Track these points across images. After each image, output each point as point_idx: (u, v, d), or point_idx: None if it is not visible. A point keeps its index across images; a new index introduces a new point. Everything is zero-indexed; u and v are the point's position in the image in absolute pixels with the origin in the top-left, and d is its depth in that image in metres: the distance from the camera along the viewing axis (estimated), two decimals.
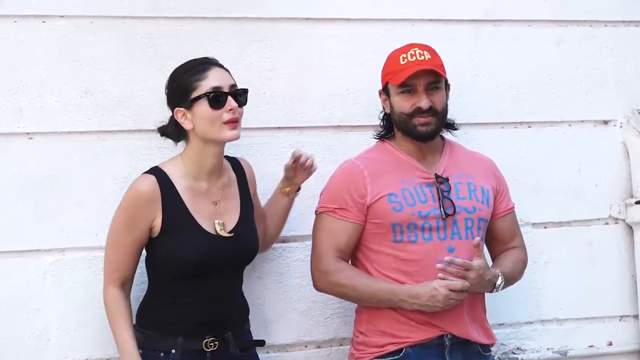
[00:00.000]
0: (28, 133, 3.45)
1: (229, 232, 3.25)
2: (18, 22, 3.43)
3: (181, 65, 3.27)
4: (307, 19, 3.74)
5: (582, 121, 4.10)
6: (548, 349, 4.01)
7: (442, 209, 3.32)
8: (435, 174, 3.38)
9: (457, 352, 3.35)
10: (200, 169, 3.25)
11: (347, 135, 3.73)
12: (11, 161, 3.44)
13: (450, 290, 3.18)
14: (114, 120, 3.53)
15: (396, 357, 3.29)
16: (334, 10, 3.81)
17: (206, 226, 3.22)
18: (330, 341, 3.69)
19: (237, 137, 3.24)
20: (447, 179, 3.38)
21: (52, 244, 3.48)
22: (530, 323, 4.01)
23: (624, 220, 4.12)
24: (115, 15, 3.56)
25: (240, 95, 3.24)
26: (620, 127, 4.12)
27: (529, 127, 4.02)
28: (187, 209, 3.21)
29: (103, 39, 3.53)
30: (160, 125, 3.33)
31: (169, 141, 3.46)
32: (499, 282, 3.34)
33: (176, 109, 3.24)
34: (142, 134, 3.55)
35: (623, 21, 4.16)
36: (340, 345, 3.71)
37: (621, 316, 4.11)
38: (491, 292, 3.37)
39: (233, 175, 3.36)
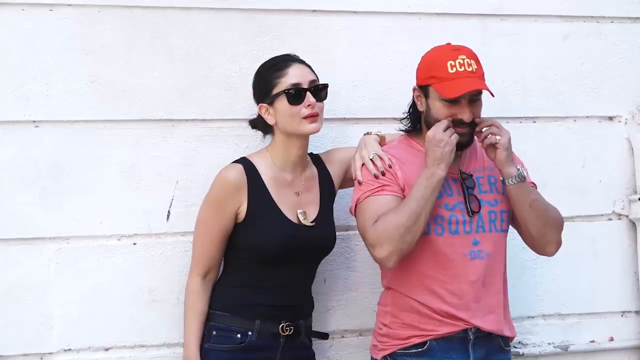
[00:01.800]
0: (34, 121, 3.48)
1: (311, 222, 3.38)
2: (25, 11, 3.46)
3: (265, 62, 3.41)
4: (314, 11, 3.76)
5: (587, 117, 4.13)
6: (549, 344, 4.05)
7: (468, 206, 3.36)
8: (460, 170, 3.40)
9: (481, 346, 3.38)
10: (285, 160, 3.39)
11: (352, 128, 3.74)
12: (17, 149, 3.48)
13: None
14: (120, 109, 3.55)
15: (420, 349, 3.32)
16: (342, 3, 3.82)
17: (289, 215, 3.34)
18: (332, 333, 3.71)
19: (317, 130, 3.35)
20: (471, 175, 3.41)
21: (57, 232, 3.52)
22: (532, 317, 4.05)
23: (627, 216, 4.15)
24: (123, 5, 3.59)
25: (321, 91, 3.35)
26: (625, 123, 4.16)
27: (534, 122, 4.05)
28: (271, 197, 3.34)
29: (111, 29, 3.56)
30: (251, 118, 3.47)
31: (177, 132, 3.59)
32: (519, 169, 3.38)
33: (260, 104, 3.38)
34: (148, 124, 3.58)
35: (629, 17, 4.18)
36: (342, 337, 3.76)
37: (623, 312, 4.14)
38: (513, 176, 3.36)
39: (315, 170, 3.48)
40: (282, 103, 3.32)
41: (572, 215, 4.03)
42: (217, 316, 3.36)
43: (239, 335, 3.34)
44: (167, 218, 3.62)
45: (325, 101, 3.37)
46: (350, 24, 3.83)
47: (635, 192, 4.15)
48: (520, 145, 3.85)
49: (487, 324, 3.36)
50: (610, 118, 4.16)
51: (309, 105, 3.31)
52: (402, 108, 3.49)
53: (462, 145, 3.35)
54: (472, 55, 3.35)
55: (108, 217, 3.53)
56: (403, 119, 3.49)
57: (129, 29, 3.58)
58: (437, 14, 3.93)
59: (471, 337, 3.35)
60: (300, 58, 3.39)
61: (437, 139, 3.24)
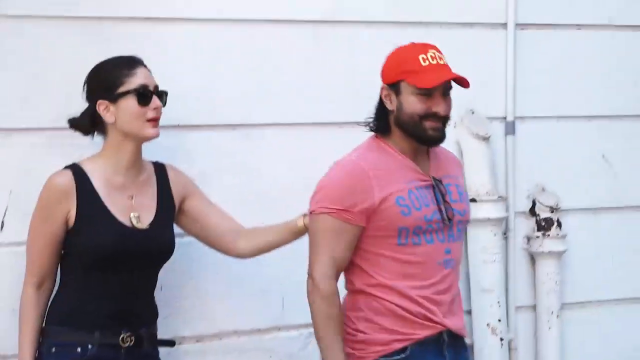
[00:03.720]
0: None
1: (147, 226, 3.37)
2: None
3: (108, 60, 3.38)
4: (147, 18, 3.83)
5: None
6: None
7: (444, 214, 3.38)
8: (433, 177, 3.41)
9: (451, 347, 3.43)
10: (117, 163, 3.36)
11: (186, 135, 3.82)
12: None
13: None
14: None
15: (402, 355, 3.34)
16: (175, 11, 3.87)
17: (121, 218, 3.32)
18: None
19: (157, 135, 3.37)
20: (441, 181, 3.44)
21: None
22: None
23: None
24: None
25: (163, 96, 3.40)
26: (454, 126, 4.20)
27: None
28: (102, 201, 3.31)
29: None
30: (72, 117, 3.41)
31: (10, 141, 3.59)
32: None
33: (99, 101, 3.33)
34: None
35: (458, 23, 4.32)
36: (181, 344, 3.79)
37: None
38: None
39: (154, 176, 3.47)
40: (129, 102, 3.32)
41: None
42: (55, 332, 3.33)
43: (79, 350, 3.31)
44: (1, 228, 3.61)
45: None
46: (184, 31, 3.88)
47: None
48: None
49: (454, 325, 3.42)
50: None
51: (155, 108, 3.34)
52: (235, 114, 3.62)
53: (436, 141, 3.37)
54: (440, 51, 3.39)
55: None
56: (370, 121, 3.47)
57: None
58: (271, 20, 3.98)
59: (445, 339, 3.40)
60: (144, 62, 3.42)
61: None
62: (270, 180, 4.04)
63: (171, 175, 3.51)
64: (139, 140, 3.37)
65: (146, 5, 3.82)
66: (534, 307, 4.41)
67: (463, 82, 3.35)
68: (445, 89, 3.34)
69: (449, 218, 3.38)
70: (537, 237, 4.39)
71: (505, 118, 4.39)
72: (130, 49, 3.56)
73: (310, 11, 4.06)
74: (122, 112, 3.31)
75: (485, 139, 4.27)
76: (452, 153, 3.66)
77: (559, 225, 4.39)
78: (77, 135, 3.62)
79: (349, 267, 3.39)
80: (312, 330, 3.72)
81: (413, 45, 3.40)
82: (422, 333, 3.36)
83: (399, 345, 3.34)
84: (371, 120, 3.47)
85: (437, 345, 3.39)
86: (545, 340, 4.41)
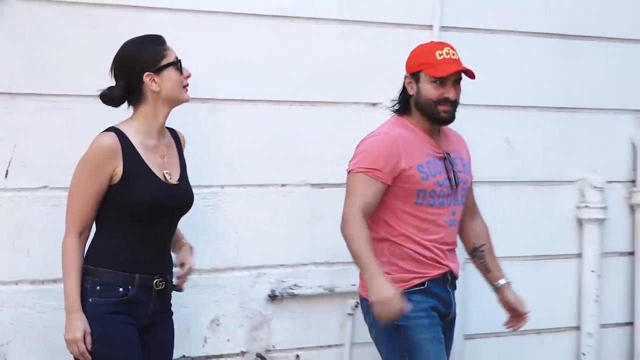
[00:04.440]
0: None
1: (177, 181, 3.44)
2: None
3: (141, 38, 3.44)
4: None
5: (355, 103, 4.39)
6: (319, 286, 4.33)
7: (452, 181, 3.69)
8: (445, 150, 3.72)
9: (451, 285, 3.79)
10: (152, 127, 3.40)
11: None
12: None
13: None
14: None
15: (421, 287, 3.67)
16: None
17: (158, 174, 3.38)
18: None
19: (189, 99, 3.47)
20: (450, 155, 3.73)
21: None
22: (306, 265, 4.32)
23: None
24: None
25: None
26: (385, 109, 4.11)
27: (313, 105, 4.30)
28: (143, 160, 3.35)
29: None
30: (102, 92, 3.42)
31: (16, 103, 3.68)
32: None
33: (146, 73, 3.35)
34: None
35: (393, 23, 4.46)
36: None
37: None
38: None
39: (171, 138, 3.54)
40: (171, 73, 3.38)
41: (341, 182, 3.95)
42: (99, 273, 3.33)
43: (120, 290, 3.33)
44: (6, 176, 3.72)
45: None
46: (165, 20, 3.92)
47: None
48: (304, 124, 4.30)
49: (454, 268, 3.78)
50: (374, 104, 4.39)
51: (187, 76, 3.44)
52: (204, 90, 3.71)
53: (447, 122, 3.69)
54: (454, 49, 3.68)
55: None
56: (395, 103, 3.77)
57: None
58: (237, 13, 4.11)
59: (449, 278, 3.76)
60: None
61: (387, 306, 3.50)
62: (233, 148, 4.16)
63: (181, 138, 3.59)
64: (177, 104, 3.45)
65: None
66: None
67: (470, 74, 3.68)
68: (455, 79, 3.66)
69: (456, 184, 3.72)
70: None
71: None
72: (121, 33, 3.59)
73: (270, 7, 4.21)
74: (166, 81, 3.37)
75: None
76: (459, 133, 3.90)
77: None
78: (72, 101, 3.80)
79: (376, 220, 3.68)
80: (260, 271, 4.18)
81: (432, 43, 3.79)
82: (434, 272, 3.70)
83: (417, 281, 3.67)
84: (394, 103, 3.79)
85: (443, 282, 3.75)
86: None
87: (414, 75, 3.70)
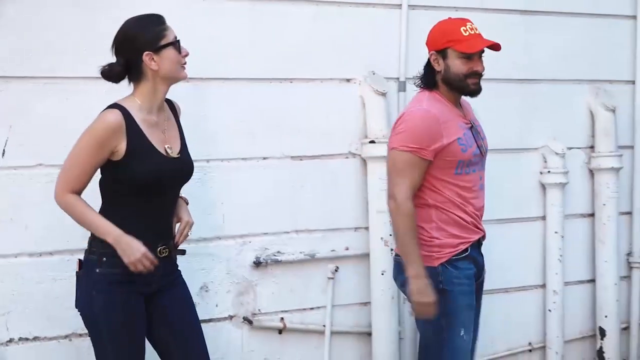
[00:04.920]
0: None
1: (177, 154, 3.46)
2: None
3: (140, 18, 3.41)
4: None
5: (330, 79, 4.41)
6: (301, 252, 4.37)
7: (482, 149, 3.73)
8: (470, 121, 3.74)
9: (481, 248, 3.80)
10: (152, 104, 3.41)
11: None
12: None
13: None
14: None
15: (465, 254, 3.67)
16: None
17: (160, 149, 3.40)
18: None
19: (187, 77, 3.48)
20: (474, 124, 3.75)
21: None
22: (288, 232, 4.35)
23: (360, 155, 4.45)
24: None
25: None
26: (359, 84, 4.43)
27: (291, 82, 4.30)
28: (145, 136, 3.36)
29: None
30: (102, 68, 3.40)
31: (10, 87, 3.68)
32: None
33: (146, 52, 3.35)
34: None
35: (364, 3, 4.44)
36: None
37: (355, 228, 4.48)
38: None
39: (170, 112, 3.55)
40: (169, 52, 3.37)
41: (320, 154, 4.38)
42: (105, 244, 3.32)
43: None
44: (2, 155, 3.75)
45: None
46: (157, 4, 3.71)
47: (366, 137, 4.43)
48: (282, 100, 4.31)
49: (485, 232, 3.80)
50: (348, 80, 4.44)
51: (185, 55, 3.43)
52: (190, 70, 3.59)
53: (478, 93, 3.69)
54: (473, 23, 3.67)
55: None
56: (419, 79, 3.74)
57: None
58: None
59: (482, 241, 3.79)
60: None
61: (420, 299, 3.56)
62: (217, 124, 4.18)
63: (177, 108, 3.62)
64: (175, 82, 3.45)
65: None
66: None
67: (495, 47, 3.67)
68: (480, 53, 3.66)
69: (486, 151, 3.78)
70: None
71: (398, 79, 4.56)
72: (113, 17, 3.55)
73: None
74: (165, 61, 3.37)
75: (383, 94, 4.43)
76: (467, 101, 3.87)
77: None
78: (65, 83, 3.81)
79: (422, 189, 3.66)
80: (245, 239, 4.22)
81: (452, 20, 3.71)
82: (474, 236, 3.73)
83: (463, 247, 3.68)
84: (419, 78, 3.76)
85: (478, 245, 3.78)
86: None
87: (440, 52, 3.68)
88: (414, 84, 3.78)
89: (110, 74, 3.42)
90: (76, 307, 3.45)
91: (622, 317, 5.24)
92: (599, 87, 5.12)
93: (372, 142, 4.45)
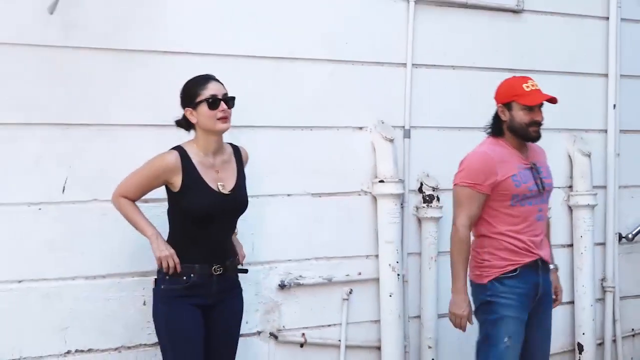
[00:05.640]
0: None
1: (229, 191, 3.47)
2: None
3: (191, 79, 3.50)
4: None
5: (345, 127, 4.35)
6: (319, 277, 4.30)
7: (539, 185, 3.73)
8: (532, 162, 3.76)
9: (542, 270, 3.78)
10: (206, 148, 3.47)
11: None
12: None
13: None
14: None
15: (514, 273, 3.69)
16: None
17: (212, 186, 3.44)
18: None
19: (226, 129, 3.47)
20: (536, 164, 3.77)
21: None
22: (308, 259, 4.28)
23: (371, 193, 4.39)
24: None
25: (230, 101, 3.47)
26: (370, 131, 4.38)
27: (311, 130, 4.25)
28: (199, 174, 3.42)
29: None
30: (176, 119, 3.53)
31: (69, 133, 3.66)
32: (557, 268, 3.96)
33: (186, 108, 3.46)
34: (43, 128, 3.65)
35: (374, 62, 4.39)
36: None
37: (367, 255, 4.40)
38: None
39: (232, 155, 3.58)
40: (203, 108, 3.42)
41: (336, 192, 4.32)
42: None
43: (184, 278, 3.40)
44: (63, 191, 3.71)
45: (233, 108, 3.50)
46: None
47: (376, 177, 4.37)
48: (304, 145, 4.25)
49: (544, 255, 3.78)
50: (360, 128, 4.38)
51: (222, 110, 3.42)
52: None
53: (537, 139, 3.74)
54: (534, 81, 3.74)
55: (21, 189, 3.64)
56: (488, 127, 3.80)
57: None
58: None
59: (539, 264, 3.76)
60: (216, 77, 3.49)
61: (457, 318, 3.71)
62: (248, 168, 3.81)
63: (242, 154, 3.65)
64: (214, 134, 3.47)
65: None
66: (420, 254, 4.54)
67: (552, 100, 3.72)
68: (540, 105, 3.72)
69: (543, 188, 3.75)
70: (423, 207, 4.52)
71: (403, 127, 4.52)
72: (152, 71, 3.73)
73: (273, 51, 4.17)
74: (200, 116, 3.44)
75: (391, 140, 4.38)
76: (541, 147, 3.92)
77: (438, 199, 4.53)
78: (115, 130, 3.77)
79: (480, 221, 3.73)
80: (272, 265, 4.19)
81: (516, 77, 3.80)
82: (525, 260, 3.71)
83: (511, 268, 3.70)
84: (489, 127, 3.82)
85: (534, 268, 3.74)
86: (426, 276, 4.53)
87: (506, 105, 3.74)
88: (484, 131, 3.84)
89: (177, 123, 3.54)
90: (153, 318, 3.52)
91: (598, 334, 5.11)
92: (576, 135, 5.02)
93: (382, 181, 4.39)
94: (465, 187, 3.68)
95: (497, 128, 3.79)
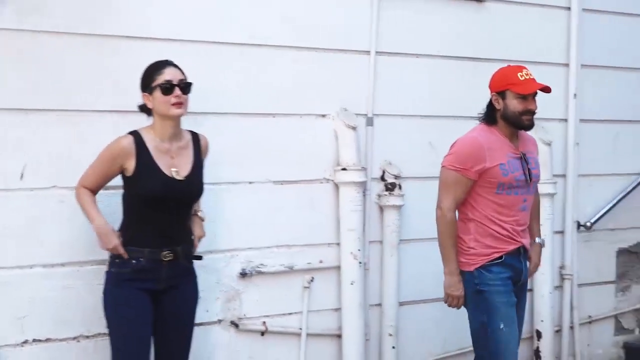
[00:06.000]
0: None
1: (183, 177, 3.48)
2: None
3: (150, 64, 3.50)
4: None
5: (308, 114, 4.36)
6: (281, 265, 4.29)
7: (527, 176, 3.77)
8: (521, 152, 3.79)
9: (524, 257, 3.86)
10: (162, 134, 3.48)
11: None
12: None
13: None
14: None
15: (499, 260, 3.75)
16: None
17: (166, 172, 3.45)
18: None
19: (180, 115, 3.48)
20: (525, 155, 3.81)
21: None
22: (269, 247, 4.28)
23: (333, 180, 4.39)
24: None
25: (186, 87, 3.48)
26: (332, 119, 4.39)
27: (273, 117, 4.24)
28: (153, 159, 3.43)
29: None
30: (139, 104, 3.53)
31: (30, 118, 3.63)
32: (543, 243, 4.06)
33: (143, 93, 3.48)
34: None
35: (340, 50, 4.39)
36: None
37: (329, 243, 4.41)
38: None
39: (190, 142, 3.58)
40: (157, 93, 3.44)
41: (298, 179, 4.32)
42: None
43: (133, 261, 3.43)
44: (21, 178, 3.67)
45: (190, 94, 3.51)
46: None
47: (339, 165, 4.38)
48: (266, 132, 4.23)
49: (526, 243, 3.85)
50: (323, 115, 4.39)
51: (176, 96, 3.43)
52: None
53: (530, 127, 3.78)
54: (528, 70, 3.76)
55: None
56: (482, 114, 3.82)
57: None
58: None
59: (522, 252, 3.83)
60: (174, 63, 3.51)
61: (451, 294, 3.77)
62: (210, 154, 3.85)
63: (202, 142, 3.64)
64: (169, 119, 3.48)
65: None
66: (381, 242, 4.56)
67: (546, 89, 3.76)
68: (534, 94, 3.75)
69: (530, 179, 3.80)
70: (385, 195, 4.54)
71: (366, 115, 4.52)
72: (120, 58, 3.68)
73: (239, 36, 4.17)
74: (155, 101, 3.46)
75: (353, 128, 4.39)
76: (532, 136, 3.98)
77: (400, 187, 4.55)
78: (74, 115, 3.73)
79: (465, 204, 3.77)
80: (232, 253, 4.16)
81: (511, 66, 3.82)
82: (509, 247, 3.78)
83: (496, 255, 3.76)
84: (482, 114, 3.84)
85: (518, 255, 3.82)
86: (388, 264, 4.55)
87: (500, 93, 3.77)
88: (477, 119, 3.86)
89: (140, 108, 3.54)
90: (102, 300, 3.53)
91: (556, 321, 5.19)
92: (537, 124, 4.92)
93: (344, 169, 4.40)
94: (453, 171, 3.72)
95: (490, 116, 3.82)
